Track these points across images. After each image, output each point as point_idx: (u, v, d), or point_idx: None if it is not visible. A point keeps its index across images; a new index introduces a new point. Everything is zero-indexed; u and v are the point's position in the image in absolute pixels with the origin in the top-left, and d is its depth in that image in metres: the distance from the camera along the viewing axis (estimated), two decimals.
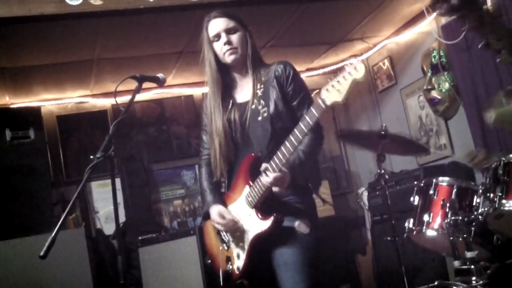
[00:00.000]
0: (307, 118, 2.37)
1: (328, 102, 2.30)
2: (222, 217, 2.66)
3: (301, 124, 2.40)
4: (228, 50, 2.68)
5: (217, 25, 2.71)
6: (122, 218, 5.57)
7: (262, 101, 2.66)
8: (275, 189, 2.53)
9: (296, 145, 2.42)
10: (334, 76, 2.30)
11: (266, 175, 2.48)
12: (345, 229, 6.04)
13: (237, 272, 2.65)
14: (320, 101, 2.32)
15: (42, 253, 2.11)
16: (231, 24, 2.70)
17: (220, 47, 2.71)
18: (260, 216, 2.56)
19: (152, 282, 4.89)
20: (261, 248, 2.60)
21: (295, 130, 2.41)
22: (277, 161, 2.46)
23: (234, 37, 2.69)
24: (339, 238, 5.82)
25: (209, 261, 2.89)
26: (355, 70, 2.24)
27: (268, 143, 2.62)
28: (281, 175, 2.48)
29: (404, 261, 3.96)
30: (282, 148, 2.44)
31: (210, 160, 2.82)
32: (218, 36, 2.71)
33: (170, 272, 4.82)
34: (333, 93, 2.28)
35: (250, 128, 2.67)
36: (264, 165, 2.50)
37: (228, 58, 2.70)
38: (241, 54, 2.70)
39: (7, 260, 4.44)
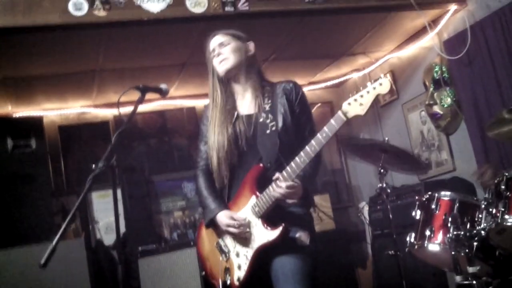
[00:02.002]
0: (326, 130, 2.42)
1: (350, 115, 2.39)
2: (233, 219, 2.64)
3: (319, 135, 2.44)
4: (219, 61, 2.78)
5: (212, 42, 2.84)
6: (122, 229, 5.55)
7: (270, 115, 2.71)
8: (290, 201, 2.54)
9: (312, 156, 2.46)
10: (357, 91, 2.40)
11: (278, 185, 2.50)
12: (346, 243, 6.03)
13: (236, 283, 2.64)
14: (341, 114, 2.40)
15: (42, 262, 2.10)
16: (223, 39, 2.81)
17: (215, 61, 2.82)
18: (267, 227, 2.56)
19: None
20: (263, 259, 2.60)
21: (313, 142, 2.46)
22: (290, 171, 2.49)
23: (225, 49, 2.79)
24: (339, 252, 5.81)
25: (203, 273, 2.87)
26: (380, 85, 2.38)
27: (276, 156, 2.65)
28: (294, 185, 2.50)
29: (404, 276, 3.96)
30: (297, 159, 2.48)
31: (207, 169, 2.83)
32: (213, 52, 2.82)
33: (169, 283, 4.80)
34: (355, 107, 2.38)
35: (258, 140, 2.70)
36: (276, 175, 2.52)
37: (220, 69, 2.79)
38: (233, 64, 2.77)
39: (6, 269, 4.42)
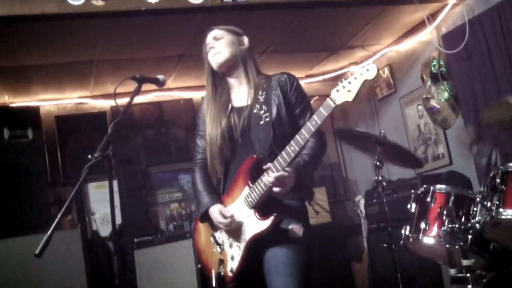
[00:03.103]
0: (316, 118, 2.43)
1: (338, 102, 2.39)
2: (224, 216, 2.65)
3: (308, 124, 2.45)
4: (213, 55, 2.81)
5: (208, 37, 2.87)
6: (118, 220, 5.56)
7: (264, 107, 2.71)
8: (276, 189, 2.54)
9: (302, 144, 2.46)
10: (345, 79, 2.40)
11: (269, 174, 2.50)
12: (342, 237, 6.05)
13: (230, 274, 2.65)
14: (330, 101, 2.41)
15: (37, 252, 2.11)
16: (218, 33, 2.84)
17: (209, 55, 2.84)
18: (259, 217, 2.57)
19: (147, 284, 4.87)
20: (256, 250, 2.60)
21: (302, 130, 2.46)
22: (281, 160, 2.49)
23: (219, 43, 2.81)
24: (335, 245, 5.82)
25: (200, 265, 2.89)
26: (367, 71, 2.37)
27: (269, 146, 2.66)
28: (284, 175, 2.50)
29: (399, 269, 3.97)
30: (288, 148, 2.48)
31: (205, 164, 2.85)
32: (208, 45, 2.85)
33: (165, 275, 4.82)
34: (343, 93, 2.39)
35: (252, 132, 2.71)
36: (267, 165, 2.53)
37: (214, 62, 2.81)
38: (226, 57, 2.79)
39: (2, 259, 4.43)
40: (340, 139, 6.61)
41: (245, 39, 2.86)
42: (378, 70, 2.39)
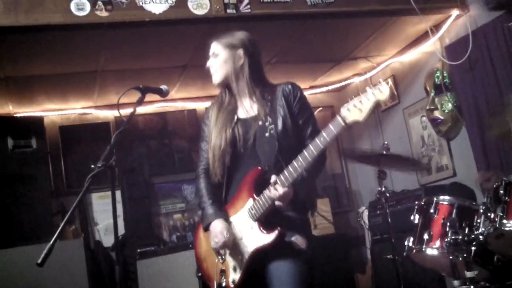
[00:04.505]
0: (325, 135, 2.40)
1: (349, 121, 2.34)
2: (223, 234, 2.63)
3: (317, 140, 2.42)
4: (211, 73, 2.83)
5: (210, 49, 2.87)
6: (121, 231, 5.56)
7: (269, 118, 2.69)
8: (278, 203, 2.52)
9: (310, 161, 2.43)
10: (356, 96, 2.34)
11: (275, 188, 2.49)
12: (345, 248, 6.03)
13: (231, 285, 2.63)
14: (340, 119, 2.35)
15: (39, 261, 2.11)
16: (215, 48, 2.83)
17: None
18: (263, 230, 2.55)
19: None
20: (258, 262, 2.58)
21: (310, 146, 2.43)
22: (287, 175, 2.47)
23: (214, 61, 2.82)
24: (338, 256, 5.80)
25: (200, 274, 2.88)
26: (380, 92, 2.30)
27: (274, 158, 2.64)
28: (290, 191, 2.49)
29: (403, 280, 3.96)
30: (295, 163, 2.46)
31: (208, 169, 2.83)
32: (208, 61, 2.87)
33: (167, 285, 4.81)
34: (354, 112, 2.32)
35: (256, 144, 2.70)
36: (273, 178, 2.51)
37: (213, 80, 2.84)
38: (222, 77, 2.79)
39: (5, 268, 4.43)
40: (345, 158, 6.64)
41: (241, 53, 2.78)
42: (390, 91, 2.33)
